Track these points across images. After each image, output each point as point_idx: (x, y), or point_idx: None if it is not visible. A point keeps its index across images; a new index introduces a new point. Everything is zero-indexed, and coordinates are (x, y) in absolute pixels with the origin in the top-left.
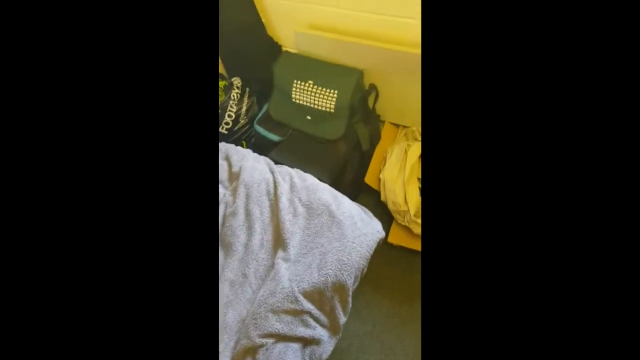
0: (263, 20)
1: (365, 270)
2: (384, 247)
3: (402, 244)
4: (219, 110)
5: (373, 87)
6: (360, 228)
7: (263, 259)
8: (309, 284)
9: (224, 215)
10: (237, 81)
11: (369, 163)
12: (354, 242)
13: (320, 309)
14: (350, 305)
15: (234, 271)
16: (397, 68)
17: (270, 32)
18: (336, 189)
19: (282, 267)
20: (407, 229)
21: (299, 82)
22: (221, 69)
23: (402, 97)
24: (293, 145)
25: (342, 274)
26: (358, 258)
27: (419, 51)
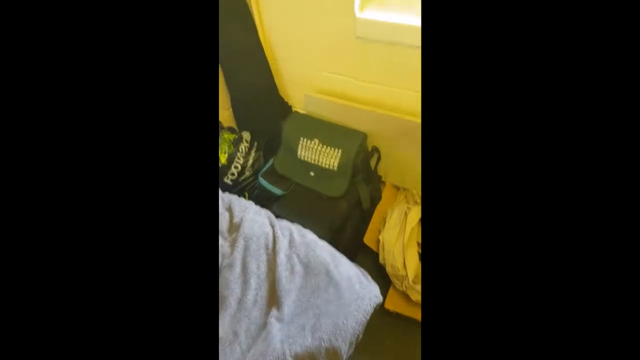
0: (276, 82)
1: (360, 336)
2: (380, 313)
3: (399, 311)
4: (227, 162)
5: (376, 149)
6: (358, 291)
7: (256, 316)
8: (301, 347)
9: (220, 267)
10: (246, 135)
11: (368, 223)
12: (350, 306)
13: None
14: None
15: (224, 328)
16: (399, 134)
17: (281, 93)
18: (335, 246)
19: (275, 327)
20: (405, 295)
21: (305, 139)
22: (232, 123)
23: (403, 161)
24: (295, 199)
25: (337, 339)
26: (354, 323)
27: (419, 120)
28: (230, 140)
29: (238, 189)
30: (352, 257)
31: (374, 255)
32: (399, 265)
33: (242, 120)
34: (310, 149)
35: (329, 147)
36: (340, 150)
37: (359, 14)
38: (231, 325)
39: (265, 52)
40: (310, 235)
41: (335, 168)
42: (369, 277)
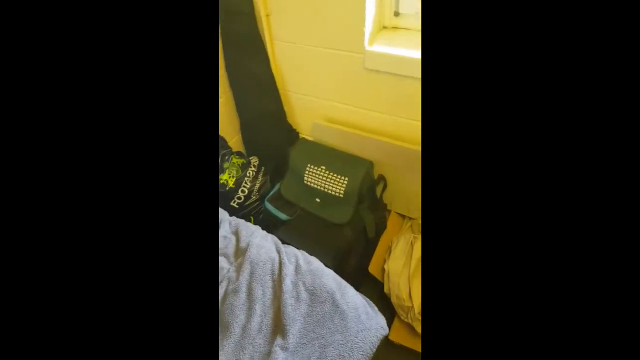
0: (285, 110)
1: None
2: (384, 344)
3: (404, 344)
4: (234, 186)
5: (381, 177)
6: (364, 322)
7: (260, 344)
8: None
9: (225, 292)
10: (254, 160)
11: (373, 251)
12: (356, 337)
13: None
14: None
15: (227, 355)
16: (404, 163)
17: (290, 120)
18: (339, 274)
19: (280, 356)
20: (410, 327)
21: (312, 166)
22: (241, 148)
23: (409, 190)
24: (300, 225)
25: None
26: (360, 355)
27: None
28: (238, 165)
29: (244, 212)
30: (357, 285)
31: (379, 284)
32: (405, 296)
33: (251, 145)
34: (317, 176)
35: (335, 174)
36: (346, 178)
37: (368, 47)
38: (235, 353)
39: (275, 81)
40: (317, 263)
41: (341, 195)
42: (375, 308)
